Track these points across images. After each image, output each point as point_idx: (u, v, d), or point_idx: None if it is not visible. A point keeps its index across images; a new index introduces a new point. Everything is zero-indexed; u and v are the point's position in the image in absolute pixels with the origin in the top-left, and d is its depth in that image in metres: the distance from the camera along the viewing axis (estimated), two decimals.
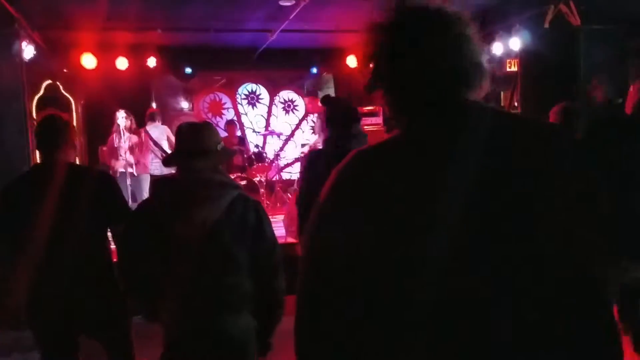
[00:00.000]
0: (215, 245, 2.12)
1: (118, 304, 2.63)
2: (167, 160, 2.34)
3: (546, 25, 6.04)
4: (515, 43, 6.49)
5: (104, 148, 7.08)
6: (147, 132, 7.25)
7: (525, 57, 6.45)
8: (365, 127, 8.66)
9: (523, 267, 0.87)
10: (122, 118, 6.62)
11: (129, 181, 6.72)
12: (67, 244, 2.45)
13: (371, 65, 1.05)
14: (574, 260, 0.90)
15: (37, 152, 2.69)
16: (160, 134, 7.34)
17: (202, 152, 2.18)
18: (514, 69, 6.99)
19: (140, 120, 7.35)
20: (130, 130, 6.84)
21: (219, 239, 2.12)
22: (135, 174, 6.85)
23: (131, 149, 6.79)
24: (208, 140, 2.21)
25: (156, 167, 7.25)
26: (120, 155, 6.76)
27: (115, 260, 2.61)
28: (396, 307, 0.91)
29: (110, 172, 6.78)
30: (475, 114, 0.99)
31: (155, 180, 2.30)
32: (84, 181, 2.57)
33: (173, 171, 2.32)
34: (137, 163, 6.88)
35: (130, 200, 6.65)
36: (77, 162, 2.71)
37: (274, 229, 2.31)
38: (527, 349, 0.86)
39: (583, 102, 5.41)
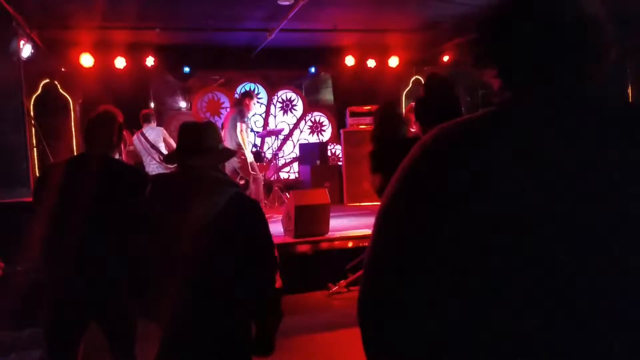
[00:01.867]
0: (211, 241, 2.12)
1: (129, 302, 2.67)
2: (168, 158, 2.36)
3: None
4: None
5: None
6: (143, 134, 7.24)
7: None
8: (362, 126, 8.68)
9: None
10: None
11: None
12: (95, 231, 2.53)
13: (489, 34, 0.99)
14: None
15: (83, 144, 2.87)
16: (157, 136, 7.32)
17: (203, 150, 2.20)
18: None
19: (136, 120, 7.35)
20: None
21: (215, 235, 2.12)
22: None
23: (127, 151, 6.83)
24: (209, 139, 2.23)
25: (154, 169, 7.25)
26: (120, 155, 6.78)
27: None
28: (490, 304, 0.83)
29: None
30: (607, 100, 0.92)
31: (155, 176, 2.32)
32: (119, 176, 2.66)
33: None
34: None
35: None
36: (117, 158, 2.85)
37: (271, 228, 2.31)
38: None
39: None
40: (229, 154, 2.46)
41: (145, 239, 2.22)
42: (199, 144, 2.21)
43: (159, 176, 2.31)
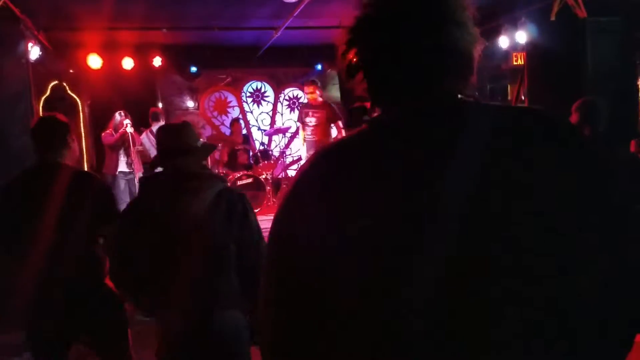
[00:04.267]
0: (204, 236, 2.16)
1: (114, 305, 2.62)
2: (152, 164, 2.41)
3: (552, 18, 6.00)
4: (522, 36, 6.45)
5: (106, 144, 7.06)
6: (152, 132, 7.27)
7: (532, 51, 6.41)
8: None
9: (524, 276, 0.79)
10: (126, 120, 6.68)
11: (136, 179, 6.78)
12: (61, 245, 2.45)
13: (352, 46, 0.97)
14: (582, 268, 0.80)
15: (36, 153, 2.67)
16: None
17: (185, 150, 2.27)
18: (521, 62, 6.95)
19: (144, 120, 7.38)
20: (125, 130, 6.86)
21: (208, 229, 2.16)
22: (135, 173, 6.90)
23: (136, 150, 6.85)
24: (188, 138, 2.30)
25: None
26: (129, 157, 6.81)
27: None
28: (375, 324, 0.82)
29: (109, 172, 6.84)
30: (456, 106, 0.91)
31: (143, 178, 2.39)
32: (78, 184, 2.56)
33: None
34: (136, 163, 6.92)
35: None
36: (74, 165, 2.70)
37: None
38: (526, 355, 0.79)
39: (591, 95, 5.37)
40: (210, 148, 2.54)
41: (134, 237, 2.25)
42: (180, 144, 2.27)
43: (148, 177, 2.36)
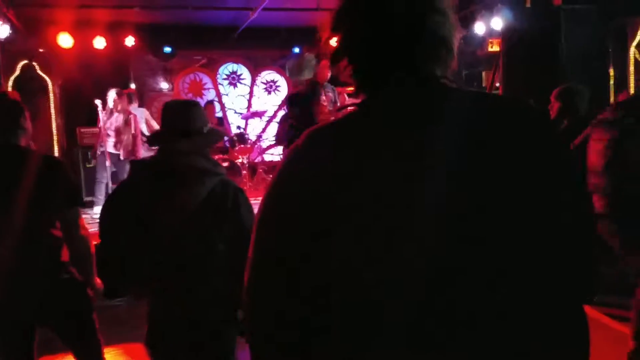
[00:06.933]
0: (193, 231, 2.08)
1: (76, 291, 2.56)
2: (152, 140, 2.27)
3: (528, 5, 6.04)
4: (497, 23, 6.48)
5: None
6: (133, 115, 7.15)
7: (507, 37, 6.45)
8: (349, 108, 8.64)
9: (496, 263, 0.84)
10: (111, 98, 6.55)
11: (108, 163, 6.64)
12: (18, 230, 2.33)
13: (338, 33, 1.00)
14: (549, 256, 0.86)
15: None
16: (140, 117, 7.23)
17: (189, 132, 2.09)
18: (496, 48, 7.00)
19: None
20: (117, 110, 6.73)
21: (197, 225, 2.07)
22: (122, 157, 6.76)
23: (117, 130, 6.70)
24: (196, 121, 2.12)
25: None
26: (109, 135, 6.68)
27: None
28: (358, 309, 0.88)
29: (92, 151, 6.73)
30: (439, 90, 0.94)
31: (134, 162, 2.26)
32: (32, 166, 2.41)
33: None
34: (126, 146, 6.78)
35: (110, 182, 6.62)
36: (28, 146, 2.56)
37: (254, 214, 2.27)
38: (491, 338, 0.85)
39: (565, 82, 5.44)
40: (216, 136, 2.37)
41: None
42: (185, 125, 2.09)
43: (139, 162, 2.23)
